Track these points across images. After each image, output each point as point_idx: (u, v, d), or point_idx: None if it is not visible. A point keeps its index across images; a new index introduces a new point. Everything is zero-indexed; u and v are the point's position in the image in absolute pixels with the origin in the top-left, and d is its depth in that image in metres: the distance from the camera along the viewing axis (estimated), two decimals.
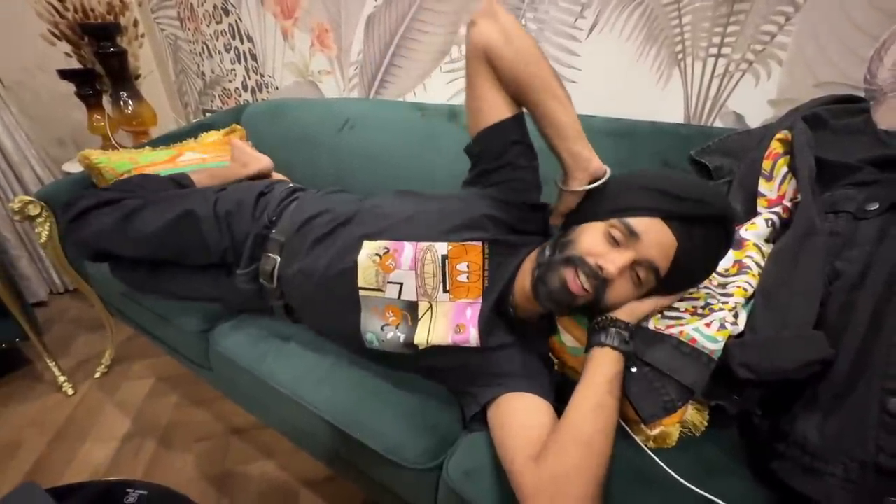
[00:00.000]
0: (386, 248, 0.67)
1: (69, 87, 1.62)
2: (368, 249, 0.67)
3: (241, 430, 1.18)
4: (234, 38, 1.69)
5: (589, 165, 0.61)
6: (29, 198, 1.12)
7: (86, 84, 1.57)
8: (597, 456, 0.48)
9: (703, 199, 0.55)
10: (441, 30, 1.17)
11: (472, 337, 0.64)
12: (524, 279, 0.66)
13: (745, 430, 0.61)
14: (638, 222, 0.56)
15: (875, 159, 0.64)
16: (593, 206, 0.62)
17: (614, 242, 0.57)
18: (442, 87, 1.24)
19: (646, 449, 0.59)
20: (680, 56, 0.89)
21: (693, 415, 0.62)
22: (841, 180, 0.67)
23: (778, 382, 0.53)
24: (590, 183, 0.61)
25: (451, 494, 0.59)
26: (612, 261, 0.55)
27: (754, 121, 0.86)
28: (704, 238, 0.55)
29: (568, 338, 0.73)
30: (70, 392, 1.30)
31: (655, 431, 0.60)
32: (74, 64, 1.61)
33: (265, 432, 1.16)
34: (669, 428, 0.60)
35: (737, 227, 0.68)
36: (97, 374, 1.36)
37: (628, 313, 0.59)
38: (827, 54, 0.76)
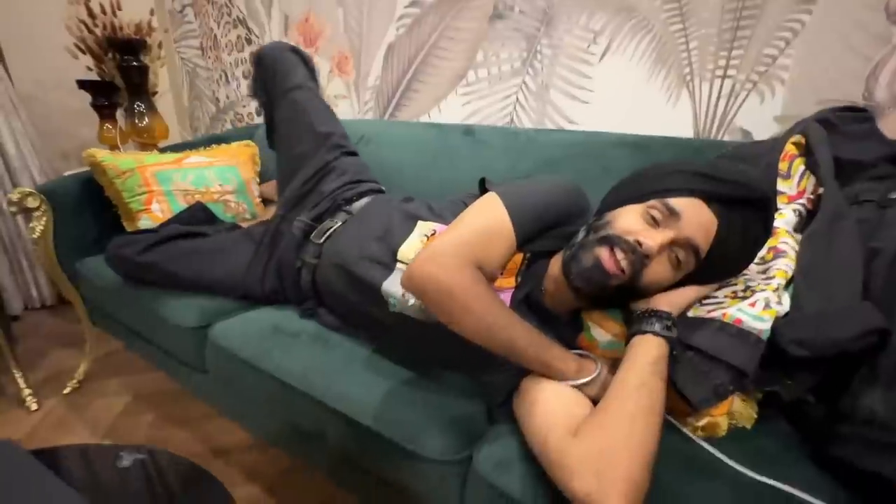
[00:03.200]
0: (434, 230, 0.70)
1: (82, 103, 1.64)
2: (420, 229, 0.71)
3: (225, 450, 1.06)
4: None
5: (567, 373, 0.54)
6: (29, 189, 1.08)
7: (102, 95, 1.60)
8: (641, 434, 0.44)
9: (745, 182, 0.54)
10: (460, 56, 1.24)
11: None
12: (555, 264, 0.64)
13: (794, 420, 0.57)
14: (678, 202, 0.54)
15: (889, 156, 0.67)
16: (629, 191, 0.60)
17: (653, 222, 0.55)
18: (457, 108, 1.29)
19: (695, 438, 0.55)
20: (688, 77, 0.96)
21: (740, 406, 0.58)
22: (857, 178, 0.69)
23: (831, 360, 0.51)
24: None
25: (484, 486, 0.53)
26: (652, 237, 0.53)
27: (761, 136, 0.90)
28: (745, 221, 0.54)
29: (599, 332, 0.70)
30: (34, 407, 1.17)
31: (702, 422, 0.56)
32: (94, 77, 1.64)
33: (251, 454, 1.05)
34: (717, 418, 0.56)
35: None
36: (67, 390, 1.24)
37: (668, 303, 0.56)
38: (827, 74, 0.82)
